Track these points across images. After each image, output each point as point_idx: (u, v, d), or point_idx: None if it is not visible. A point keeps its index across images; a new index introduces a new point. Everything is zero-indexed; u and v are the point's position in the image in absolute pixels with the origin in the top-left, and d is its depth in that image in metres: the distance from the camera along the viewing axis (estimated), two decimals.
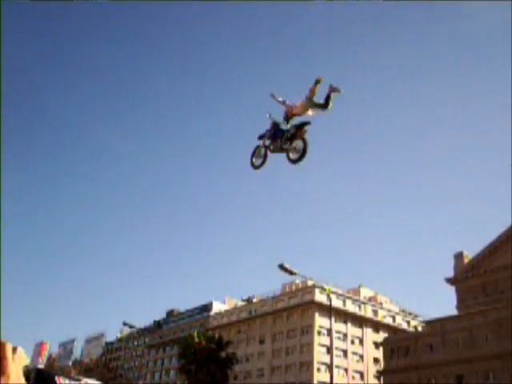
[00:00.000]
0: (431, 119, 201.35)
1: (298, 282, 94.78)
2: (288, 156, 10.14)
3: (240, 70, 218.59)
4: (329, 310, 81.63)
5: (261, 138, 10.72)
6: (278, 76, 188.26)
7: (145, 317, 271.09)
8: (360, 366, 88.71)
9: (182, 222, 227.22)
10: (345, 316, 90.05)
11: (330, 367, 78.03)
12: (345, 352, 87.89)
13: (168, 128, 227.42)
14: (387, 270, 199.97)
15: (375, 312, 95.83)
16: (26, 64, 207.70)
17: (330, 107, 9.69)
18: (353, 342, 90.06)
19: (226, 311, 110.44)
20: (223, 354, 56.60)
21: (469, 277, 71.16)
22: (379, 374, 73.50)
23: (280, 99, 10.40)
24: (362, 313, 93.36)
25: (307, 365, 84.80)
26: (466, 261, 73.71)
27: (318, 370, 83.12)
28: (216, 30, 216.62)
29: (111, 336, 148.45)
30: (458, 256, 74.77)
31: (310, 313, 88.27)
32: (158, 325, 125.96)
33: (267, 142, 10.47)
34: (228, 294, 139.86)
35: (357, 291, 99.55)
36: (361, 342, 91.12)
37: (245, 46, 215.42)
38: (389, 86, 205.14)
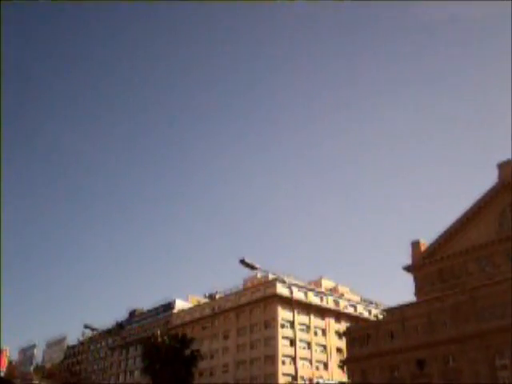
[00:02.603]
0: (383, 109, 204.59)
1: (259, 276, 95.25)
2: None
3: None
4: (291, 303, 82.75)
5: None
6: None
7: (107, 318, 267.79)
8: (323, 357, 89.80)
9: (141, 222, 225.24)
10: (307, 308, 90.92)
11: (294, 359, 79.13)
12: (308, 343, 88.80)
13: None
14: (347, 260, 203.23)
15: (337, 302, 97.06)
16: None
17: None
18: (316, 333, 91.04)
19: (189, 309, 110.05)
20: (187, 352, 56.31)
21: (426, 264, 72.60)
22: (342, 363, 74.43)
23: None
24: (323, 304, 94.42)
25: (272, 358, 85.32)
26: (422, 249, 75.19)
27: (283, 362, 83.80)
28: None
29: (73, 339, 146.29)
30: (415, 244, 76.15)
31: (273, 306, 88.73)
32: (120, 326, 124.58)
33: None
34: (190, 291, 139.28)
35: (318, 283, 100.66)
36: (323, 332, 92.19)
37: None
38: None
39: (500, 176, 69.08)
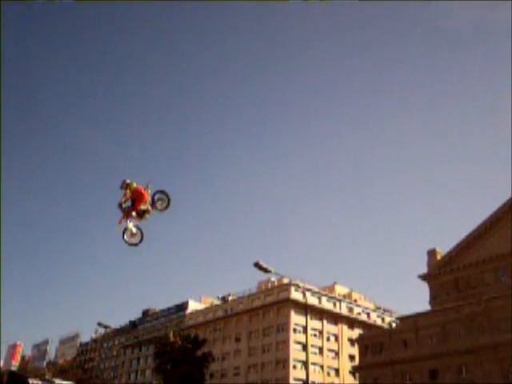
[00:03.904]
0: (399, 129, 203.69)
1: (273, 279, 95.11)
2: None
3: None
4: (304, 308, 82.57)
5: None
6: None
7: (120, 317, 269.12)
8: (335, 363, 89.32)
9: (157, 222, 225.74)
10: (320, 313, 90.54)
11: (305, 364, 78.81)
12: (320, 349, 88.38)
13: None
14: (362, 267, 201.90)
15: (350, 309, 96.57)
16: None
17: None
18: (328, 339, 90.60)
19: (202, 310, 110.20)
20: (199, 353, 56.30)
21: (441, 273, 72.05)
22: (354, 371, 74.12)
23: None
24: (337, 310, 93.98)
25: (283, 362, 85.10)
26: (438, 257, 74.62)
27: (294, 367, 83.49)
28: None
29: (86, 336, 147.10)
30: (431, 252, 75.62)
31: (286, 310, 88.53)
32: (133, 325, 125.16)
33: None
34: (204, 292, 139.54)
35: (332, 288, 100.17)
36: (336, 338, 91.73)
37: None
38: None
39: None
